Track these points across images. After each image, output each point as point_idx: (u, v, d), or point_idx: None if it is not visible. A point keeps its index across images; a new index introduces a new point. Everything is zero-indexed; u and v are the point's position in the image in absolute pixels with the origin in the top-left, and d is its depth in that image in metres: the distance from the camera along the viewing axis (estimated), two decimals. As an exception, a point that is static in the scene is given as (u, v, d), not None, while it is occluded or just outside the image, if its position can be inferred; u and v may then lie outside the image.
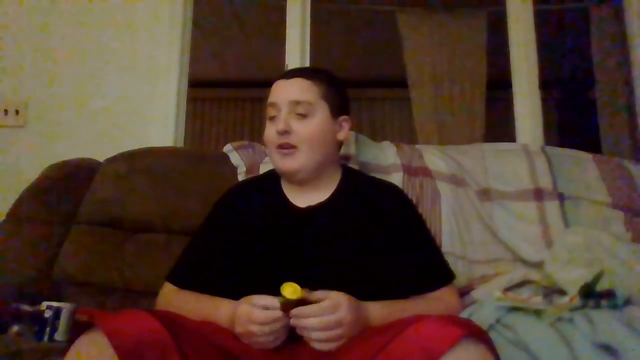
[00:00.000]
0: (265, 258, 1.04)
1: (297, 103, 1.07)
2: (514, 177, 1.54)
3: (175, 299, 1.05)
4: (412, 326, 0.73)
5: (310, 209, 1.08)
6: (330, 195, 1.11)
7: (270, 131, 1.09)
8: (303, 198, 1.10)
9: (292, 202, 1.11)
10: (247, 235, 1.08)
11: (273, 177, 1.16)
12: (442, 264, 1.10)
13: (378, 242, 1.04)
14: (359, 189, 1.14)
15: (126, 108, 2.03)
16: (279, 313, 0.85)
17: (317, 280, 0.88)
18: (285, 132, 1.05)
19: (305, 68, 1.18)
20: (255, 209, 1.12)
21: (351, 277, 0.95)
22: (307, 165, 1.07)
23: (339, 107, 1.12)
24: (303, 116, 1.07)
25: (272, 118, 1.10)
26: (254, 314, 0.85)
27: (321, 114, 1.09)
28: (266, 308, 0.86)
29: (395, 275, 1.03)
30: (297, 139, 1.06)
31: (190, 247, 1.14)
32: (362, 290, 0.92)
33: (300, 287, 0.86)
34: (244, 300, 0.90)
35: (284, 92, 1.09)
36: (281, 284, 0.86)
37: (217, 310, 0.95)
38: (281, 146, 1.06)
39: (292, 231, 1.06)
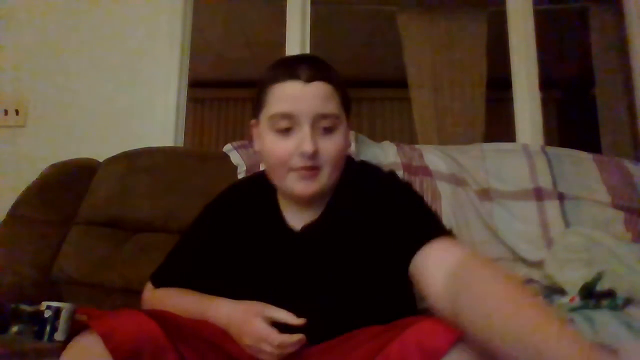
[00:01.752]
0: (257, 281, 0.96)
1: (323, 117, 0.90)
2: (514, 177, 1.54)
3: (166, 294, 1.02)
4: (412, 327, 0.71)
5: (306, 230, 0.96)
6: (324, 210, 0.97)
7: (283, 148, 0.90)
8: (300, 216, 0.97)
9: (288, 221, 0.98)
10: (239, 254, 0.99)
11: (268, 189, 1.01)
12: (434, 221, 0.92)
13: (377, 253, 0.92)
14: (354, 194, 0.98)
15: (126, 108, 2.02)
16: (295, 337, 0.82)
17: (316, 307, 0.85)
18: (313, 154, 0.88)
19: (317, 65, 0.92)
20: (248, 226, 1.01)
21: (350, 301, 0.90)
22: (327, 186, 0.93)
23: (349, 112, 0.98)
24: (328, 131, 0.91)
25: (284, 131, 0.90)
26: (271, 336, 0.82)
27: (343, 125, 0.94)
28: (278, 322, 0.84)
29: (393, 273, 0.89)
30: (322, 158, 0.90)
31: (177, 251, 1.08)
32: (362, 312, 0.87)
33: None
34: (258, 314, 0.85)
35: (305, 100, 0.89)
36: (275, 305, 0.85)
37: (215, 308, 0.91)
38: (304, 169, 0.89)
39: (287, 255, 0.96)
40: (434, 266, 0.80)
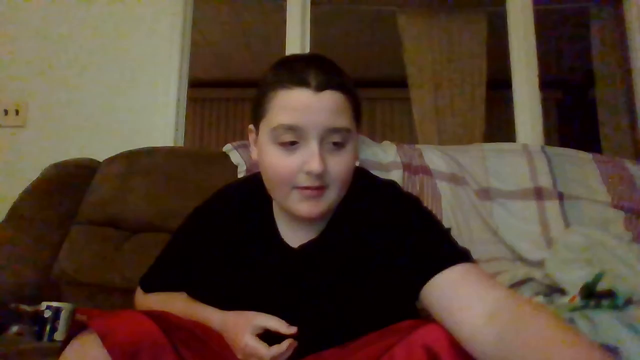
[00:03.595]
0: (247, 294, 0.91)
1: (334, 131, 0.79)
2: (514, 177, 1.54)
3: (155, 301, 1.01)
4: (418, 331, 0.70)
5: (303, 249, 0.89)
6: (325, 229, 0.90)
7: (286, 165, 0.80)
8: (297, 231, 0.90)
9: (283, 236, 0.91)
10: (229, 264, 0.93)
11: (263, 197, 0.92)
12: (449, 242, 0.86)
13: (381, 275, 0.86)
14: (357, 212, 0.90)
15: (126, 108, 2.02)
16: (285, 344, 0.80)
17: (308, 326, 0.83)
18: (321, 173, 0.79)
19: (328, 69, 0.82)
20: (240, 237, 0.94)
21: (346, 320, 0.85)
22: (332, 206, 0.85)
23: (360, 121, 0.88)
24: (338, 146, 0.81)
25: (287, 144, 0.80)
26: (261, 352, 0.80)
27: (354, 138, 0.84)
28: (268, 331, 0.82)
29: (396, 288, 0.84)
30: (330, 177, 0.81)
31: (166, 255, 1.05)
32: (358, 329, 0.82)
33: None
34: (247, 327, 0.83)
35: (314, 113, 0.78)
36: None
37: (204, 320, 0.90)
38: (310, 188, 0.80)
39: (280, 272, 0.90)
40: (470, 300, 0.73)
